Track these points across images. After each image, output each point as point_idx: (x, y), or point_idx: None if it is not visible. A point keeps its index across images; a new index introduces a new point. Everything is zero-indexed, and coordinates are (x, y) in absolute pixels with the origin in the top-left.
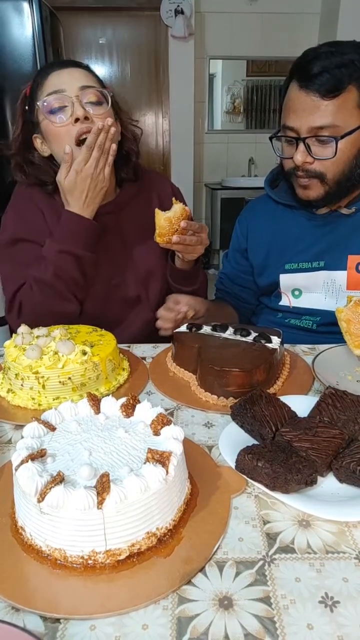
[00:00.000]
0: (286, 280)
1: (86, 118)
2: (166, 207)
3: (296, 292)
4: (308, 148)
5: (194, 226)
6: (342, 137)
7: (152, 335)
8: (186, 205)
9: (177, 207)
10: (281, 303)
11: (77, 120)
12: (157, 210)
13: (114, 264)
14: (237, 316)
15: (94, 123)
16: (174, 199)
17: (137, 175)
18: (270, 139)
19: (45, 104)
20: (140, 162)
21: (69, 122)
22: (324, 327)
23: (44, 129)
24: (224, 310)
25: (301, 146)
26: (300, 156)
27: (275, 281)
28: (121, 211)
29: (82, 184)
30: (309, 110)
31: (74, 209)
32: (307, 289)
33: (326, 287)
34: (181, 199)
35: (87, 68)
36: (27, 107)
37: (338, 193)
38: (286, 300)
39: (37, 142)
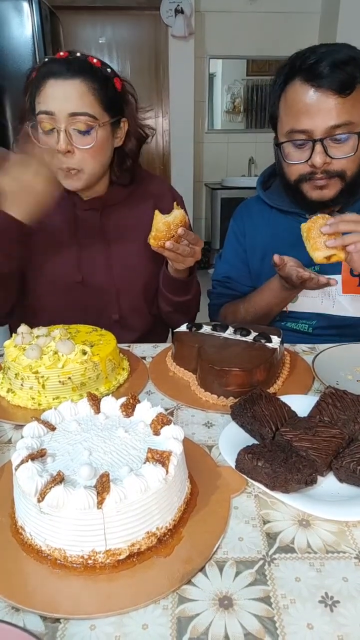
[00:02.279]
0: None
1: (69, 151)
2: (163, 213)
3: None
4: (325, 149)
5: (190, 236)
6: None
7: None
8: (186, 212)
9: (178, 212)
10: None
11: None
12: (157, 212)
13: (83, 261)
14: None
15: (76, 156)
16: (175, 203)
17: (131, 180)
18: (278, 145)
19: (38, 119)
20: (141, 165)
21: (53, 147)
22: (320, 330)
23: (39, 136)
24: None
25: (319, 147)
26: (319, 158)
27: None
28: (105, 211)
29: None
30: (325, 110)
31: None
32: (303, 293)
33: (322, 291)
34: (182, 207)
35: (88, 73)
36: (29, 94)
37: (352, 189)
38: None
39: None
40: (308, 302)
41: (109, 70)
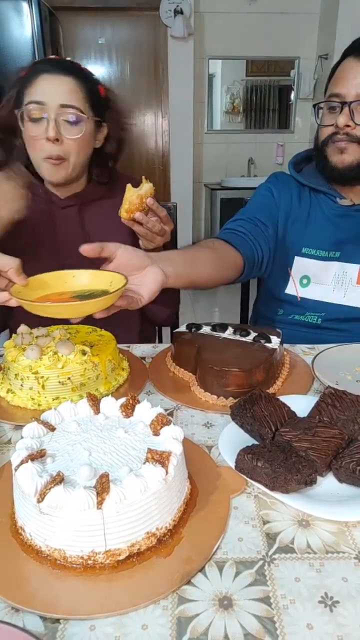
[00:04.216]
0: (300, 263)
1: (57, 139)
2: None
3: (304, 281)
4: (352, 113)
5: (162, 212)
6: None
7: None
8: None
9: (148, 185)
10: (287, 291)
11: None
12: (129, 186)
13: (64, 262)
14: (224, 261)
15: (63, 145)
16: (144, 177)
17: (109, 180)
18: (314, 106)
19: (27, 108)
20: (118, 169)
21: (42, 136)
22: (329, 323)
23: (25, 125)
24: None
25: (345, 109)
26: (343, 119)
27: (288, 262)
28: (85, 207)
29: None
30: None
31: None
32: (317, 278)
33: (336, 278)
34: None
35: (77, 74)
36: (17, 89)
37: None
38: (293, 289)
39: (19, 122)
40: (319, 289)
41: (94, 76)
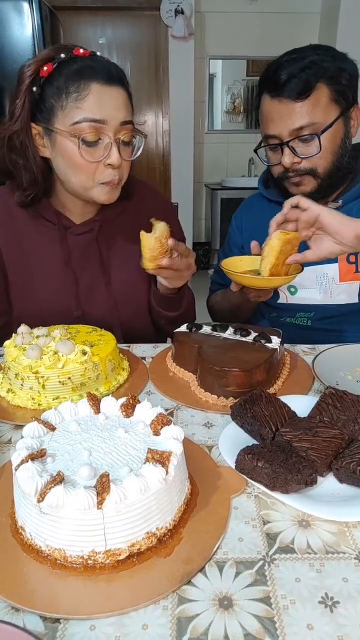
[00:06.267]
0: None
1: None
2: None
3: (292, 290)
4: (293, 150)
5: (181, 247)
6: (323, 132)
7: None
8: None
9: (161, 225)
10: (280, 301)
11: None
12: (143, 233)
13: (82, 295)
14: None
15: (121, 169)
16: (153, 220)
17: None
18: (255, 151)
19: (78, 128)
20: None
21: (98, 161)
22: (319, 323)
23: (61, 144)
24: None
25: (286, 150)
26: (287, 159)
27: None
28: (102, 230)
29: None
30: (286, 116)
31: None
32: (301, 285)
33: (319, 281)
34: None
35: (124, 80)
36: (35, 89)
37: (331, 184)
38: (284, 298)
39: (36, 136)
40: (307, 294)
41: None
